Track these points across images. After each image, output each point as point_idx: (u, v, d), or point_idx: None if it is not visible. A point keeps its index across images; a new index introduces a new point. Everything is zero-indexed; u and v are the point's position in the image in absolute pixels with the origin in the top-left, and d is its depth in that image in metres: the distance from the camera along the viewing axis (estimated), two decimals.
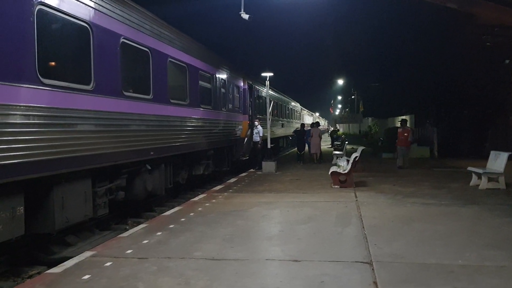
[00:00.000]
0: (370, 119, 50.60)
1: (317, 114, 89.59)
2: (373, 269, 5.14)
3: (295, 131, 23.92)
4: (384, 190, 11.40)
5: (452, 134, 23.75)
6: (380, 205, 9.34)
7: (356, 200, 9.89)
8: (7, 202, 5.63)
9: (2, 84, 5.29)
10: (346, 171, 12.08)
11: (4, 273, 6.43)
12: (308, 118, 57.47)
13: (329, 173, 12.41)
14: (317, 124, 22.53)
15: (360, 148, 14.32)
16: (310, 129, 21.54)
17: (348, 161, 12.83)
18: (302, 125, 24.97)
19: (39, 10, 6.00)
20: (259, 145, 17.92)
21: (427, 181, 13.00)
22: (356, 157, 12.48)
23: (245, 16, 13.79)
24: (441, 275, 4.95)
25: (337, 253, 5.83)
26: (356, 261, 5.46)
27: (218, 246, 6.25)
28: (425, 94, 28.27)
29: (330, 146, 32.96)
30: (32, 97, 5.81)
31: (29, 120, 5.77)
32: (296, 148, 23.55)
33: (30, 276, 6.26)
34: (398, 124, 22.04)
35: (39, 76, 5.94)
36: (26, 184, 5.94)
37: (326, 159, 21.17)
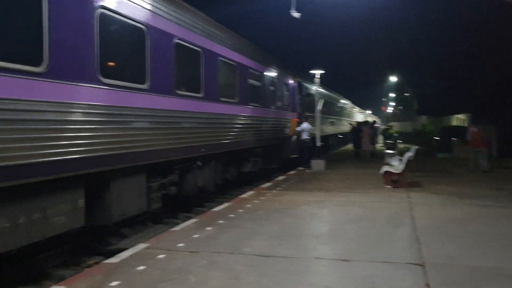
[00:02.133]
0: (424, 117, 49.07)
1: (369, 111, 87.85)
2: (425, 271, 5.05)
3: (353, 129, 23.86)
4: (438, 191, 11.07)
5: None
6: (433, 206, 9.10)
7: (409, 201, 9.67)
8: (69, 195, 5.98)
9: (65, 83, 5.60)
10: (399, 171, 11.82)
11: (65, 262, 6.81)
12: (360, 116, 56.51)
13: (381, 172, 12.20)
14: (371, 122, 22.46)
15: (414, 148, 13.94)
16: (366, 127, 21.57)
17: (401, 160, 12.54)
18: (359, 123, 24.92)
19: (100, 13, 6.31)
20: (307, 143, 17.82)
21: (484, 182, 12.51)
22: (410, 156, 12.16)
23: (296, 14, 13.77)
24: (497, 279, 4.79)
25: (388, 254, 5.76)
26: (407, 263, 5.37)
27: (266, 243, 6.33)
28: (483, 92, 27.09)
29: (382, 144, 32.30)
30: (92, 96, 6.12)
31: (89, 117, 6.07)
32: (350, 145, 23.54)
33: (89, 266, 6.59)
34: (454, 123, 21.26)
35: (99, 76, 6.25)
36: (86, 178, 6.27)
37: (378, 158, 20.79)
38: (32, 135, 5.09)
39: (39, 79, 5.18)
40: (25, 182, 5.05)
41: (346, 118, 40.19)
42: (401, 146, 24.76)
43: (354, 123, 28.61)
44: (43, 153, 5.23)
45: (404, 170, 11.84)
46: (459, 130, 25.75)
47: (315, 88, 19.71)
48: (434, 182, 12.63)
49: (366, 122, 22.69)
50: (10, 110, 4.79)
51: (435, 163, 19.48)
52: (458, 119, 34.16)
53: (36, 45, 5.24)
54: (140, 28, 7.37)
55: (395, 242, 6.43)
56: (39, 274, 6.19)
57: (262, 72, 14.33)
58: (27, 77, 5.01)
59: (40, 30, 5.25)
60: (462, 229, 7.07)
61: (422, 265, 5.26)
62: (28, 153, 5.01)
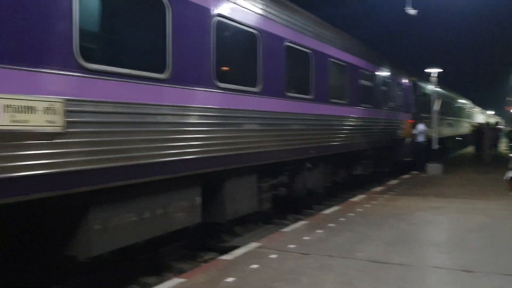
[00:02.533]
0: None
1: (491, 112, 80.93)
2: None
3: (474, 130, 22.51)
4: None
5: None
6: None
7: None
8: (188, 192, 6.34)
9: (185, 88, 5.95)
10: None
11: (184, 256, 7.23)
12: (480, 117, 52.30)
13: (505, 178, 11.14)
14: (493, 123, 20.93)
15: None
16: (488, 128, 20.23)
17: None
18: (480, 123, 23.47)
19: (216, 21, 6.61)
20: (422, 146, 16.92)
21: None
22: None
23: (412, 11, 13.15)
24: None
25: None
26: None
27: (380, 249, 6.12)
28: None
29: (507, 148, 29.56)
30: (208, 99, 6.43)
31: (206, 120, 6.38)
32: (470, 148, 22.30)
33: (205, 261, 6.92)
34: None
35: (215, 80, 6.54)
36: (203, 177, 6.60)
37: (502, 162, 19.06)
38: (157, 137, 5.47)
39: (163, 85, 5.57)
40: (150, 180, 5.45)
41: (465, 119, 37.44)
42: None
43: (477, 124, 26.65)
44: (166, 153, 5.60)
45: None
46: None
47: (431, 88, 18.64)
48: None
49: (487, 124, 21.11)
50: (140, 114, 5.21)
51: None
52: None
53: (160, 53, 5.65)
54: (252, 33, 7.58)
55: None
56: (160, 266, 6.63)
57: (374, 72, 13.90)
58: (153, 83, 5.42)
59: (164, 39, 5.65)
60: None
61: None
62: (153, 153, 5.40)
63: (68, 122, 4.29)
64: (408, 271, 5.18)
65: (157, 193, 5.76)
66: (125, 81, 5.01)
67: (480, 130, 21.94)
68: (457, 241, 6.59)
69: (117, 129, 4.91)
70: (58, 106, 4.16)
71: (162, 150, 5.54)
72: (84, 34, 4.61)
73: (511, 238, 6.78)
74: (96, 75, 4.65)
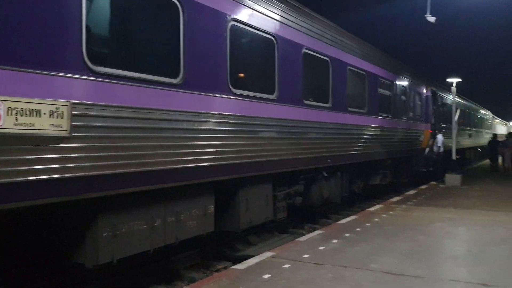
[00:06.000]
0: None
1: None
2: None
3: (489, 142, 22.27)
4: None
5: None
6: None
7: None
8: (201, 201, 6.27)
9: (199, 94, 5.92)
10: None
11: (196, 265, 7.16)
12: (502, 128, 51.32)
13: None
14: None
15: None
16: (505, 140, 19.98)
17: None
18: (495, 135, 23.24)
19: (232, 26, 6.58)
20: (435, 156, 16.63)
21: None
22: None
23: (431, 18, 12.98)
24: None
25: None
26: None
27: (396, 260, 5.96)
28: None
29: None
30: (223, 106, 6.38)
31: (221, 126, 6.32)
32: (488, 160, 22.14)
33: (218, 270, 6.84)
34: None
35: (230, 86, 6.50)
36: (216, 185, 6.54)
37: None
38: (169, 143, 5.42)
39: (175, 90, 5.54)
40: (161, 187, 5.41)
41: (486, 130, 36.76)
42: None
43: (497, 135, 26.23)
44: (178, 160, 5.55)
45: None
46: None
47: (451, 98, 18.35)
48: None
49: (510, 135, 20.83)
50: (151, 119, 5.16)
51: None
52: None
53: (173, 58, 5.61)
54: (269, 39, 7.54)
55: None
56: (171, 275, 6.57)
57: (393, 81, 13.74)
58: (165, 88, 5.38)
59: (177, 43, 5.61)
60: None
61: None
62: (164, 159, 5.35)
63: (75, 126, 4.23)
64: (424, 283, 5.03)
65: (169, 201, 5.71)
66: (136, 85, 4.95)
67: (494, 141, 21.69)
68: (476, 254, 6.39)
69: (127, 134, 4.85)
70: (64, 109, 4.09)
71: (174, 157, 5.49)
72: (93, 36, 4.59)
73: None
74: (105, 78, 4.59)
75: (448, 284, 5.09)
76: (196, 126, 5.86)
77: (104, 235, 4.80)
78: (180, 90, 5.58)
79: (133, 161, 4.90)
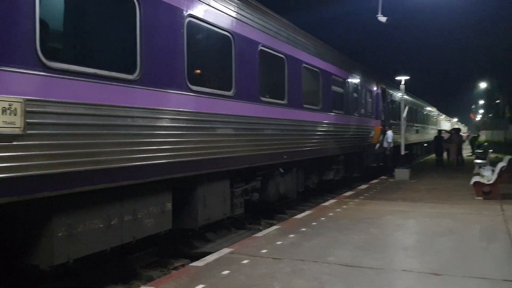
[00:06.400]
0: None
1: (456, 119, 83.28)
2: None
3: (435, 137, 23.40)
4: None
5: None
6: None
7: (503, 214, 8.97)
8: (158, 198, 6.21)
9: (156, 90, 5.85)
10: (491, 182, 11.04)
11: (153, 263, 7.07)
12: (446, 124, 53.73)
13: (471, 183, 11.46)
14: (457, 130, 21.91)
15: (507, 157, 12.95)
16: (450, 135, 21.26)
17: (493, 171, 11.70)
18: (440, 131, 24.44)
19: (189, 22, 6.53)
20: (387, 151, 17.23)
21: None
22: (503, 166, 11.32)
23: (383, 18, 13.41)
24: None
25: (482, 270, 5.34)
26: (505, 280, 4.95)
27: (351, 253, 6.15)
28: None
29: (471, 154, 30.46)
30: (181, 102, 6.33)
31: (178, 123, 6.27)
32: (434, 155, 23.39)
33: (175, 268, 6.78)
34: None
35: (188, 83, 6.46)
36: (173, 182, 6.49)
37: (466, 167, 19.64)
38: (125, 140, 5.33)
39: (132, 86, 5.44)
40: (118, 185, 5.31)
41: (431, 126, 38.36)
42: (492, 156, 23.13)
43: (445, 131, 27.51)
44: (135, 157, 5.46)
45: (497, 181, 11.03)
46: None
47: (400, 95, 19.03)
48: None
49: (458, 130, 22.21)
50: (107, 116, 5.05)
51: None
52: None
53: (130, 53, 5.52)
54: (226, 36, 7.54)
55: (491, 257, 5.98)
56: (129, 274, 6.46)
57: (346, 79, 14.08)
58: (121, 85, 5.27)
59: (134, 39, 5.51)
60: None
61: None
62: (121, 157, 5.25)
63: (29, 123, 4.09)
64: (378, 274, 5.22)
65: (126, 199, 5.61)
66: (92, 81, 4.84)
67: (439, 136, 22.95)
68: (426, 244, 6.68)
69: (82, 132, 4.74)
70: (17, 106, 3.95)
71: (131, 154, 5.40)
72: (47, 31, 4.45)
73: (477, 241, 6.95)
74: (60, 74, 4.46)
75: (401, 274, 5.31)
76: (153, 123, 5.79)
77: (60, 235, 4.68)
78: (137, 86, 5.50)
79: (88, 159, 4.79)
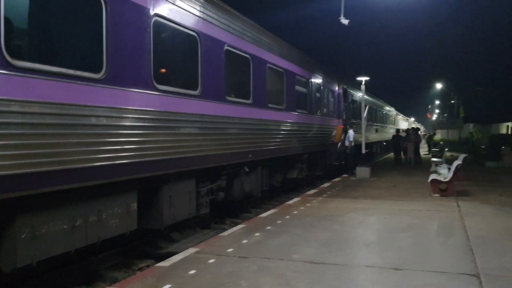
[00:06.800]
0: (471, 125, 47.58)
1: (413, 119, 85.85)
2: (480, 282, 4.89)
3: (393, 136, 24.14)
4: (489, 200, 10.67)
5: None
6: (485, 216, 8.78)
7: (459, 210, 9.39)
8: (123, 198, 6.15)
9: (122, 89, 5.79)
10: (447, 179, 11.51)
11: (117, 264, 6.99)
12: (404, 123, 55.33)
13: (429, 180, 11.91)
14: (415, 129, 22.76)
15: (462, 156, 13.55)
16: (408, 134, 22.03)
17: (449, 168, 12.20)
18: (398, 130, 25.23)
19: (155, 21, 6.50)
20: (348, 150, 17.60)
21: None
22: (459, 164, 11.82)
23: (345, 21, 13.68)
24: None
25: (440, 264, 5.60)
26: (462, 273, 5.22)
27: (315, 250, 6.30)
28: None
29: (427, 152, 31.53)
30: (147, 101, 6.29)
31: (143, 123, 6.22)
32: (392, 153, 24.21)
33: (140, 269, 6.74)
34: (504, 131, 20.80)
35: (154, 82, 6.42)
36: (139, 182, 6.44)
37: (423, 166, 20.34)
38: (90, 140, 5.26)
39: (98, 85, 5.38)
40: (82, 186, 5.23)
41: (390, 125, 39.44)
42: (447, 154, 24.07)
43: (402, 130, 28.33)
44: (100, 157, 5.40)
45: (453, 179, 11.51)
46: (510, 138, 24.82)
47: (360, 95, 19.49)
48: (484, 192, 12.18)
49: (417, 129, 23.02)
50: (72, 115, 4.97)
51: (484, 172, 18.77)
52: (509, 127, 32.82)
53: (95, 52, 5.45)
54: (192, 35, 7.54)
55: (448, 252, 6.26)
56: (92, 276, 6.38)
57: (309, 79, 14.30)
58: (87, 83, 5.20)
59: (100, 37, 5.45)
60: None
61: (477, 276, 5.09)
62: (86, 157, 5.18)
63: None
64: (342, 270, 5.39)
65: (90, 199, 5.54)
66: (57, 80, 4.76)
67: (397, 135, 23.69)
68: (387, 241, 6.92)
69: (47, 131, 4.66)
70: None
71: (96, 154, 5.33)
72: (12, 29, 4.35)
73: (435, 236, 7.25)
74: (24, 73, 4.38)
75: (364, 270, 5.49)
76: (118, 122, 5.73)
77: (23, 236, 4.57)
78: (103, 85, 5.43)
79: (53, 159, 4.71)
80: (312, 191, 12.81)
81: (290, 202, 10.88)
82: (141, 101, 6.16)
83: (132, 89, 5.98)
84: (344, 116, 19.34)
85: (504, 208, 9.59)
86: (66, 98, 4.88)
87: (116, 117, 5.68)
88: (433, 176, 11.95)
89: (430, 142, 37.15)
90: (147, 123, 6.28)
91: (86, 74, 5.20)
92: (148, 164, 6.31)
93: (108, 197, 5.85)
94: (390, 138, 29.05)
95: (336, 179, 16.12)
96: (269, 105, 10.75)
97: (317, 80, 15.34)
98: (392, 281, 5.01)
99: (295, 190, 14.55)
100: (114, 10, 5.61)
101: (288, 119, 12.11)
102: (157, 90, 6.50)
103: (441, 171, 12.35)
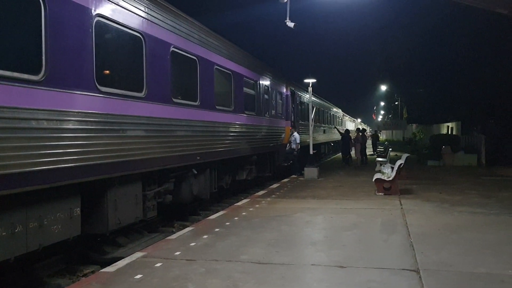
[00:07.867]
0: (414, 125, 49.57)
1: (359, 120, 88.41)
2: (420, 277, 5.11)
3: (342, 137, 24.79)
4: (430, 198, 11.19)
5: (502, 142, 22.92)
6: (426, 213, 9.19)
7: (401, 208, 9.77)
8: (65, 203, 5.96)
9: (63, 91, 5.62)
10: (390, 178, 11.95)
11: (61, 271, 6.77)
12: (350, 124, 56.85)
13: (373, 180, 12.31)
14: (362, 130, 23.69)
15: (405, 155, 14.13)
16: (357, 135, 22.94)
17: (392, 168, 12.67)
18: (347, 130, 25.99)
19: (97, 21, 6.35)
20: (295, 152, 17.84)
21: (474, 190, 12.64)
22: (401, 164, 12.32)
23: (291, 24, 13.91)
24: (490, 284, 4.87)
25: (383, 260, 5.82)
26: (403, 269, 5.44)
27: (263, 251, 6.37)
28: (473, 101, 27.51)
29: (373, 153, 32.55)
30: (89, 104, 6.13)
31: (86, 125, 6.07)
32: (340, 154, 25.00)
33: (85, 275, 6.56)
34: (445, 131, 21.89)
35: (97, 84, 6.27)
36: (82, 186, 6.27)
37: (369, 166, 21.02)
38: (29, 144, 5.08)
39: (37, 87, 5.19)
40: (21, 191, 5.04)
41: (337, 126, 40.41)
42: (392, 154, 25.01)
43: (342, 130, 29.12)
44: (40, 161, 5.22)
45: (396, 178, 11.97)
46: (449, 138, 26.14)
47: (308, 97, 19.86)
48: (425, 190, 12.75)
49: (364, 130, 23.80)
50: (9, 118, 4.79)
51: (426, 171, 19.65)
52: (449, 127, 34.54)
53: (34, 53, 5.27)
54: (137, 36, 7.42)
55: (390, 249, 6.51)
56: (35, 283, 6.15)
57: (257, 81, 14.42)
58: (25, 86, 5.02)
59: (39, 38, 5.28)
60: (455, 236, 7.15)
61: (417, 271, 5.32)
62: (24, 161, 5.00)
63: None
64: (289, 270, 5.48)
65: (30, 205, 5.34)
66: None
67: (345, 136, 24.45)
68: (332, 239, 7.10)
69: None
70: None
71: (36, 158, 5.16)
72: None
73: (379, 235, 7.52)
74: None
75: (310, 268, 5.62)
76: (59, 125, 5.57)
77: None
78: (42, 88, 5.25)
79: None
80: (261, 192, 12.91)
81: (239, 203, 10.92)
82: (83, 104, 6.00)
83: (73, 91, 5.81)
84: (293, 118, 19.63)
85: (443, 205, 10.08)
86: (3, 101, 4.69)
87: (57, 120, 5.51)
88: (377, 176, 12.34)
89: (375, 142, 38.35)
90: (90, 126, 6.13)
91: (25, 76, 5.01)
92: (91, 168, 6.15)
93: (49, 202, 5.66)
94: (338, 139, 29.84)
95: (285, 180, 16.32)
96: (217, 107, 10.75)
97: (265, 82, 15.49)
98: (336, 279, 5.15)
99: (244, 191, 14.61)
100: (54, 10, 5.43)
101: (236, 121, 12.16)
102: (100, 92, 6.35)
103: (385, 171, 12.78)
